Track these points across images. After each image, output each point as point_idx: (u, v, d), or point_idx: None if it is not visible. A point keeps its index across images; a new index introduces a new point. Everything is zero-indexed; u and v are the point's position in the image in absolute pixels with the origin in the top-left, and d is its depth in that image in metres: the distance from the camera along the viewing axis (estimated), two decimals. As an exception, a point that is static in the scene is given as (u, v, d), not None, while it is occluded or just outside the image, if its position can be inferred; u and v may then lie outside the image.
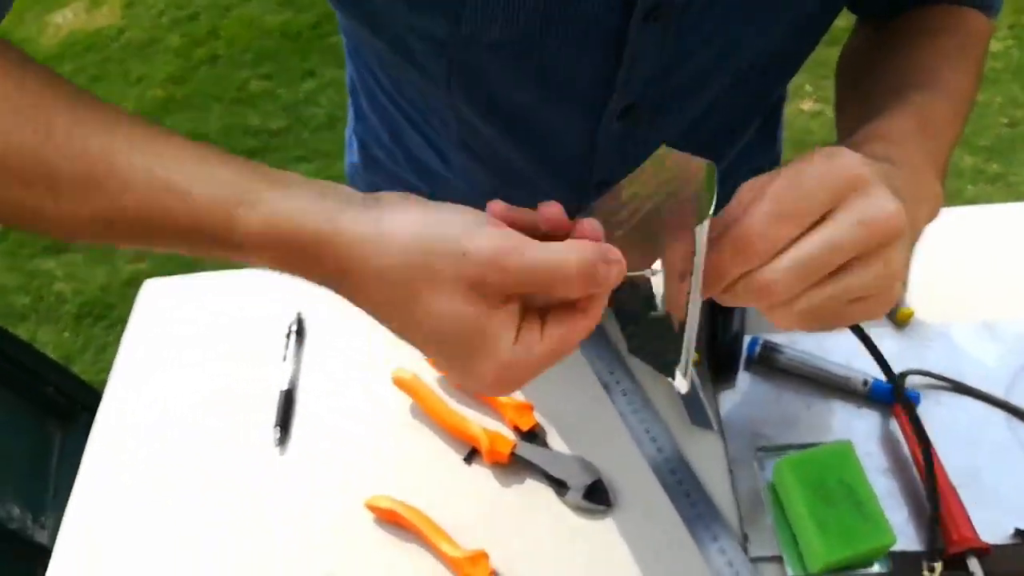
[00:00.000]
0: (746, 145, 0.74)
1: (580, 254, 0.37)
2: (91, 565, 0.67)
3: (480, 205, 0.61)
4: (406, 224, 0.38)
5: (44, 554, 1.10)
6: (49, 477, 1.25)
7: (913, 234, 0.43)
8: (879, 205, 0.38)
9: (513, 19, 0.50)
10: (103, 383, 0.79)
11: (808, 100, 2.50)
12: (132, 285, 2.10)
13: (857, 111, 0.55)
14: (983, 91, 2.41)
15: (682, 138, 0.61)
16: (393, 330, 0.41)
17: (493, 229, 0.38)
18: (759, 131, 0.75)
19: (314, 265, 0.40)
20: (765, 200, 0.39)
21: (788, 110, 2.41)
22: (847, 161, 0.39)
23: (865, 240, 0.38)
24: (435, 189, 0.74)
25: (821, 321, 0.41)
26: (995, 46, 2.56)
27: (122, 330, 0.84)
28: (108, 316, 2.01)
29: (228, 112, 2.63)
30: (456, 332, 0.38)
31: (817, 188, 0.39)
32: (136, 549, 0.67)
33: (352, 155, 0.85)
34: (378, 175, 0.81)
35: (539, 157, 0.65)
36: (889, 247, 0.39)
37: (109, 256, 2.21)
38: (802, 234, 0.39)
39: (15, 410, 1.27)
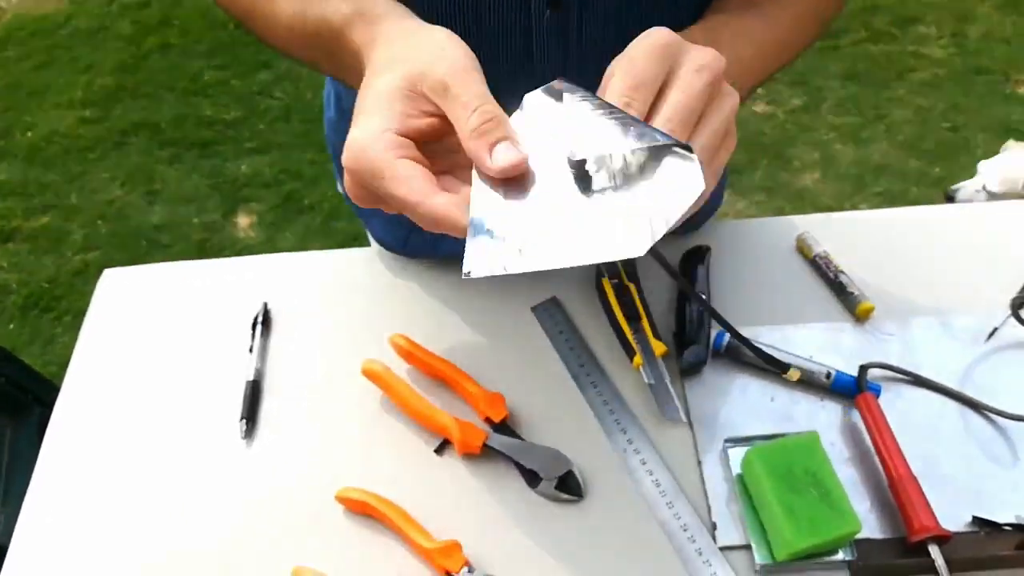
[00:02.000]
0: None
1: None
2: (50, 559, 0.65)
3: None
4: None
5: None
6: (0, 472, 1.21)
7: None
8: (703, 53, 0.46)
9: None
10: (52, 376, 0.78)
11: (760, 103, 2.54)
12: (80, 276, 2.05)
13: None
14: (925, 96, 2.49)
15: (616, 35, 0.63)
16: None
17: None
18: None
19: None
20: (616, 77, 0.46)
21: (741, 113, 2.47)
22: (663, 32, 0.47)
23: (710, 81, 0.46)
24: None
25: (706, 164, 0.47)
26: (938, 53, 2.65)
27: (70, 322, 0.82)
28: (55, 308, 1.96)
29: (181, 102, 2.58)
30: (378, 90, 0.46)
31: (652, 56, 0.46)
32: (97, 543, 0.65)
33: (329, 110, 0.86)
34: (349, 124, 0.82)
35: (480, 58, 0.66)
36: (724, 84, 0.47)
37: (57, 246, 2.15)
38: (660, 96, 0.46)
39: (-40, 403, 1.23)
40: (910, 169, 2.31)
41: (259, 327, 0.78)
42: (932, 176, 2.28)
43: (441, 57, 0.46)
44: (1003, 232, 0.84)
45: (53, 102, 2.60)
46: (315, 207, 2.24)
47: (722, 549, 0.63)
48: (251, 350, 0.76)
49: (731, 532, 0.64)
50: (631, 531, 0.64)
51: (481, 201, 0.44)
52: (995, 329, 0.75)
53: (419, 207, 0.44)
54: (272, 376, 0.75)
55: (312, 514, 0.66)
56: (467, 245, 0.43)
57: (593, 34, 0.64)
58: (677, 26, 0.68)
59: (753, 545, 0.62)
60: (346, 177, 0.47)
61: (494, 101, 0.45)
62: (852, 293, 0.77)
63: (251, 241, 2.18)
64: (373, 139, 0.45)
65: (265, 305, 0.80)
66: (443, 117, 0.46)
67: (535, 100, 0.50)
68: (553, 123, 0.47)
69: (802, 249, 0.82)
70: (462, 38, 0.64)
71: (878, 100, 2.52)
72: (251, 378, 0.74)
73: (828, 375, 0.71)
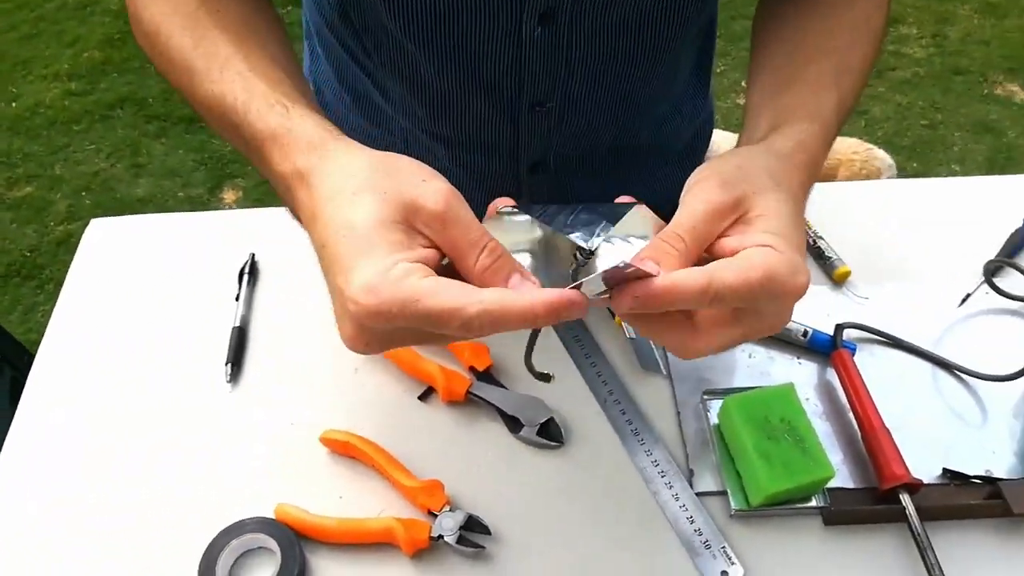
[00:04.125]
0: (678, 95, 0.76)
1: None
2: (32, 505, 0.65)
3: (423, 141, 0.63)
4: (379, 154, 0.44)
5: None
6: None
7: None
8: (792, 281, 0.41)
9: None
10: (32, 343, 0.78)
11: (743, 95, 2.56)
12: (63, 246, 2.04)
13: (761, 87, 0.58)
14: (905, 94, 2.52)
15: (607, 51, 0.64)
16: (317, 235, 0.43)
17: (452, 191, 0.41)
18: (691, 79, 0.77)
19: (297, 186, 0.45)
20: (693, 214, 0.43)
21: (726, 105, 2.48)
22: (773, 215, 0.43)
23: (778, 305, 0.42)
24: (381, 129, 0.74)
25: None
26: (918, 53, 2.69)
27: (52, 291, 0.83)
28: (37, 276, 1.94)
29: (168, 77, 2.56)
30: (365, 226, 0.40)
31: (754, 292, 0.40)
32: (82, 486, 0.66)
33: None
34: (330, 117, 0.81)
35: (469, 76, 0.65)
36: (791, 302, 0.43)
37: (40, 216, 2.14)
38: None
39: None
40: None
41: (246, 276, 0.78)
42: (909, 171, 2.31)
43: (426, 188, 0.41)
44: (977, 204, 0.86)
45: (39, 74, 2.58)
46: (301, 185, 2.24)
47: (699, 495, 0.64)
48: (238, 298, 0.77)
49: (707, 479, 0.65)
50: (610, 476, 0.66)
51: None
52: (968, 295, 0.77)
53: (468, 308, 0.38)
54: (258, 325, 0.76)
55: (296, 455, 0.67)
56: None
57: (584, 49, 0.63)
58: (668, 39, 0.68)
59: (729, 491, 0.64)
60: (351, 329, 0.41)
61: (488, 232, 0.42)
62: (830, 258, 0.79)
63: (236, 217, 2.18)
64: (387, 271, 0.38)
65: (252, 256, 0.80)
66: (437, 248, 0.42)
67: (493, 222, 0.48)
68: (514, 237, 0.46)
69: (783, 215, 0.84)
70: (449, 56, 0.63)
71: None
72: (237, 324, 0.75)
73: (805, 333, 0.73)
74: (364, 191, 0.41)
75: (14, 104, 2.48)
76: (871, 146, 1.72)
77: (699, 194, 0.44)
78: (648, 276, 0.38)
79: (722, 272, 0.39)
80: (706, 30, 0.74)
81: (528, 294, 0.38)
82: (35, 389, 0.72)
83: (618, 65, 0.65)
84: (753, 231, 0.43)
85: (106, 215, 0.86)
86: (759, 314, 0.43)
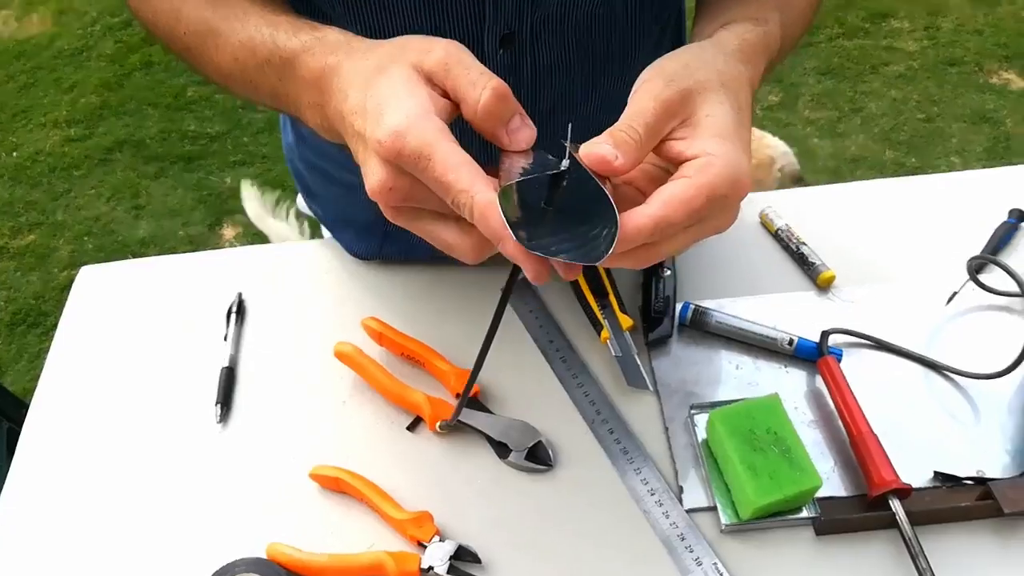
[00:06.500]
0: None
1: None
2: (30, 549, 0.66)
3: None
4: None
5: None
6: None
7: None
8: (733, 192, 0.45)
9: None
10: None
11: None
12: (67, 291, 2.05)
13: (707, 11, 0.60)
14: (900, 89, 2.52)
15: (573, 64, 0.66)
16: (349, 107, 0.46)
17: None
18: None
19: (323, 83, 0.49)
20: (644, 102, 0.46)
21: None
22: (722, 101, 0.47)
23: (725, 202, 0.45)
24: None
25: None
26: (912, 46, 2.68)
27: None
28: (43, 324, 1.96)
29: (164, 117, 2.59)
30: (392, 86, 0.44)
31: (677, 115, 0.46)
32: (76, 528, 0.66)
33: (287, 134, 0.86)
34: (307, 149, 0.82)
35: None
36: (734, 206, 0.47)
37: (44, 263, 2.16)
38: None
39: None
40: (886, 160, 2.33)
41: (233, 316, 0.79)
42: (908, 166, 2.30)
43: (433, 44, 0.45)
44: (959, 201, 0.85)
45: (38, 122, 2.62)
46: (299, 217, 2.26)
47: (689, 511, 0.64)
48: (226, 338, 0.78)
49: (697, 495, 0.65)
50: (600, 497, 0.65)
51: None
52: (954, 293, 0.76)
53: (462, 195, 0.41)
54: (247, 363, 0.76)
55: (286, 492, 0.67)
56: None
57: (544, 65, 0.64)
58: (629, 50, 0.69)
59: (719, 506, 0.64)
60: (378, 173, 0.44)
61: (495, 75, 0.44)
62: (813, 263, 0.79)
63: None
64: (417, 119, 0.42)
65: (240, 295, 0.81)
66: (453, 101, 0.45)
67: None
68: None
69: (765, 224, 0.84)
70: None
71: (854, 94, 2.54)
72: (226, 364, 0.75)
73: (791, 342, 0.73)
74: (388, 64, 0.45)
75: (15, 153, 2.51)
76: (765, 134, 1.68)
77: (649, 91, 0.46)
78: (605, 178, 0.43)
79: (668, 209, 0.42)
80: (675, 21, 0.75)
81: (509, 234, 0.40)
82: (31, 434, 0.73)
83: (586, 73, 0.66)
84: (698, 137, 0.45)
85: (109, 258, 0.88)
86: (705, 221, 0.46)
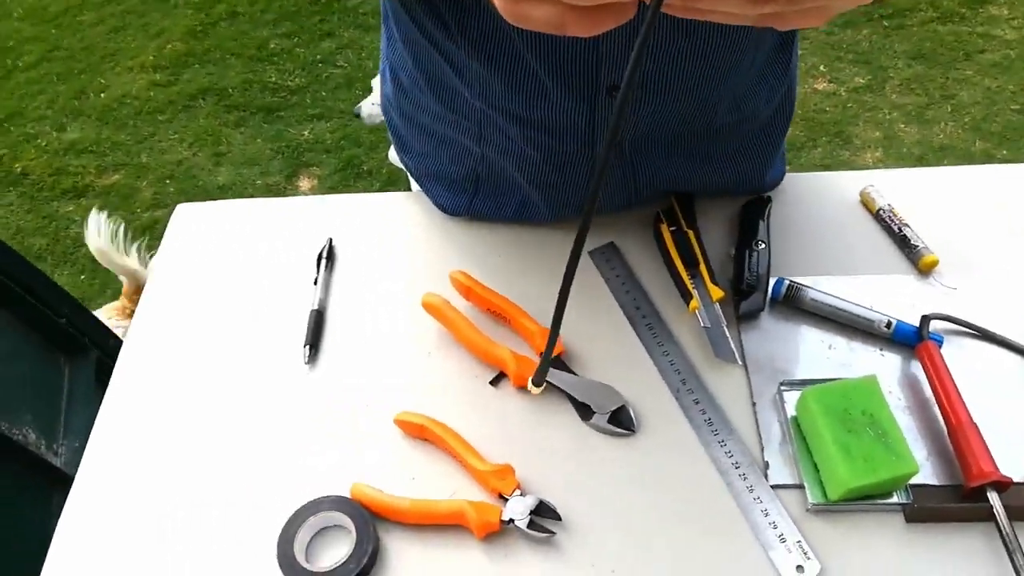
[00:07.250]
0: (759, 73, 0.74)
1: None
2: (117, 483, 0.68)
3: (497, 123, 0.67)
4: None
5: (59, 478, 1.12)
6: (60, 407, 1.26)
7: None
8: None
9: None
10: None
11: (821, 80, 2.49)
12: (149, 231, 2.12)
13: None
14: (995, 78, 2.41)
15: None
16: None
17: None
18: (771, 61, 0.75)
19: None
20: None
21: (801, 90, 2.43)
22: None
23: None
24: (456, 113, 0.74)
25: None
26: (1009, 34, 2.57)
27: None
28: (124, 261, 2.02)
29: (247, 68, 2.63)
30: None
31: None
32: (165, 464, 0.68)
33: (386, 85, 0.85)
34: (406, 100, 0.82)
35: (547, 55, 0.66)
36: None
37: (127, 203, 2.22)
38: None
39: (28, 339, 1.28)
40: (975, 151, 2.24)
41: (324, 261, 0.80)
42: (998, 159, 2.21)
43: None
44: (1078, 192, 0.81)
45: (125, 65, 2.68)
46: (373, 172, 2.27)
47: (774, 487, 0.63)
48: (316, 282, 0.79)
49: (783, 472, 0.64)
50: (682, 467, 0.65)
51: None
52: (1065, 287, 0.73)
53: None
54: (335, 308, 0.77)
55: (371, 436, 0.68)
56: None
57: (662, 34, 0.64)
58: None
59: (806, 485, 0.62)
60: None
61: None
62: (916, 246, 0.76)
63: (311, 204, 2.23)
64: None
65: (330, 240, 0.82)
66: None
67: None
68: None
69: (866, 203, 0.81)
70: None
71: (945, 81, 2.44)
72: (315, 307, 0.76)
73: (888, 324, 0.70)
74: None
75: (103, 95, 2.58)
76: None
77: None
78: None
79: None
80: None
81: None
82: (124, 370, 0.75)
83: (697, 51, 0.65)
84: None
85: (189, 202, 0.89)
86: None
